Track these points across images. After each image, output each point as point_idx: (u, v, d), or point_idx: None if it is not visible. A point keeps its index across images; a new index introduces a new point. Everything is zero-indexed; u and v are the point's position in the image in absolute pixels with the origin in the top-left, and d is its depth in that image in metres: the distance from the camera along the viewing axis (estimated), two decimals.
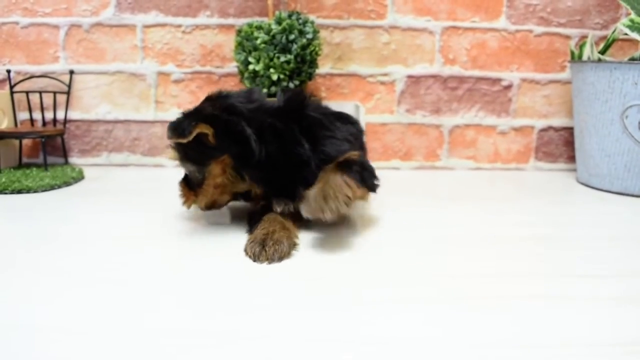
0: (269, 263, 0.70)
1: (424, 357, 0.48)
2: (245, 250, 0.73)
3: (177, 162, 0.87)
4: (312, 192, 0.73)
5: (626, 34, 1.18)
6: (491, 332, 0.53)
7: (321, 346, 0.50)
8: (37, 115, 1.31)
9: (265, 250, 0.71)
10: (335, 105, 0.98)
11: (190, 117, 0.78)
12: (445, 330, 0.53)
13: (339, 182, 0.73)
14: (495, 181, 1.29)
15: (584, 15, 1.37)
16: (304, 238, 0.80)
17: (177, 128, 0.77)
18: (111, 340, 0.50)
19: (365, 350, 0.49)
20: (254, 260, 0.70)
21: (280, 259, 0.71)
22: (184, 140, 0.76)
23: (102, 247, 0.76)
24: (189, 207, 0.89)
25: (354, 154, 0.82)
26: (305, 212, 0.73)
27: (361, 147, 0.93)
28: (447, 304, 0.59)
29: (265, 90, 1.14)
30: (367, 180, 0.81)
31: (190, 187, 0.88)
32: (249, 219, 0.84)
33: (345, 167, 0.78)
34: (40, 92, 1.28)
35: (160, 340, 0.50)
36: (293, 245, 0.75)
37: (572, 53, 1.28)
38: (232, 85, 1.32)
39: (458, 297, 0.61)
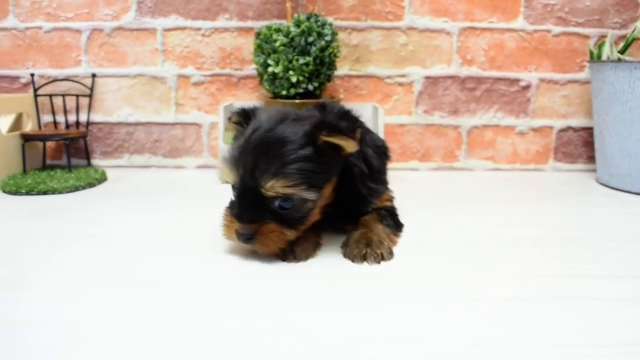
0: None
1: (443, 355, 0.49)
2: (351, 254, 0.73)
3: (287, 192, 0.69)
4: (354, 237, 0.75)
5: None
6: (508, 332, 0.53)
7: (348, 345, 0.51)
8: (60, 118, 1.33)
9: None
10: (354, 106, 0.99)
11: (349, 123, 0.73)
12: (461, 330, 0.54)
13: (381, 230, 0.78)
14: (514, 182, 1.29)
15: (603, 14, 1.36)
16: (326, 242, 0.81)
17: (342, 128, 0.70)
18: (139, 338, 0.51)
19: (389, 347, 0.50)
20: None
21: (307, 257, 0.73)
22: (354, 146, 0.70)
23: (128, 247, 0.77)
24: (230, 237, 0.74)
25: (387, 197, 0.87)
26: (346, 255, 0.74)
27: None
28: (465, 304, 0.60)
29: (284, 92, 1.15)
30: (399, 225, 0.85)
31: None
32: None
33: (383, 214, 0.82)
34: (63, 95, 1.30)
35: (189, 339, 0.51)
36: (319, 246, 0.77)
37: (591, 53, 1.28)
38: (251, 88, 1.34)
39: (476, 298, 0.62)
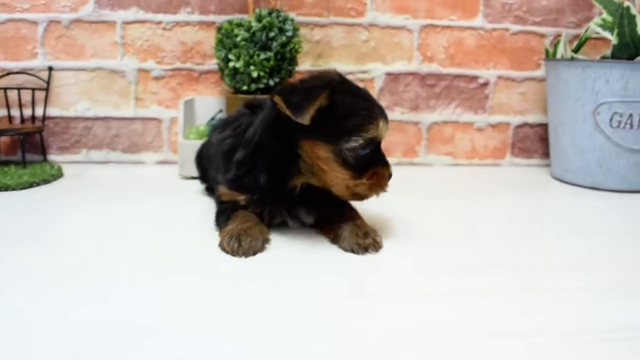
0: (245, 257, 0.72)
1: (396, 348, 0.50)
2: (221, 245, 0.74)
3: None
4: (348, 229, 0.76)
5: (598, 33, 1.22)
6: (464, 323, 0.55)
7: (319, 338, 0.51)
8: (15, 112, 1.30)
9: (242, 245, 0.72)
10: None
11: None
12: (419, 322, 0.55)
13: (363, 221, 0.81)
14: (473, 177, 1.32)
15: (559, 14, 1.40)
16: (280, 239, 0.82)
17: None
18: (92, 338, 0.51)
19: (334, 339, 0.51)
20: (233, 255, 0.72)
21: (255, 253, 0.73)
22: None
23: (82, 245, 0.76)
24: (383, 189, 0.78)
25: None
26: (346, 247, 0.75)
27: None
28: (420, 297, 0.61)
29: (245, 88, 1.15)
30: None
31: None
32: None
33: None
34: (18, 89, 1.27)
35: (145, 335, 0.51)
36: (267, 241, 0.77)
37: (547, 51, 1.31)
38: (213, 82, 1.33)
39: (433, 291, 0.63)
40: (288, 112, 0.69)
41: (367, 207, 0.96)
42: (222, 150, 0.86)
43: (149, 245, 0.76)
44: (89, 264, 0.68)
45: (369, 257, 0.73)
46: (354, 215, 0.82)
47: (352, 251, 0.74)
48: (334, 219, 0.80)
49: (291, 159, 0.75)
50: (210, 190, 1.01)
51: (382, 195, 0.77)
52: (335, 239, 0.78)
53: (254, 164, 0.78)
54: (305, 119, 0.68)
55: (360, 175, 0.73)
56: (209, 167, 0.99)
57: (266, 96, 0.87)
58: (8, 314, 0.54)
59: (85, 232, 0.82)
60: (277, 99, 0.70)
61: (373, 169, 0.74)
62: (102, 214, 0.92)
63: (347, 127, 0.71)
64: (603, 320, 0.56)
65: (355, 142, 0.71)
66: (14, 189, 1.05)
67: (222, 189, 0.83)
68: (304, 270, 0.69)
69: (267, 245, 0.75)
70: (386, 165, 0.76)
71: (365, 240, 0.75)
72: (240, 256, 0.71)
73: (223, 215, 0.81)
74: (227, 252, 0.72)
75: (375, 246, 0.75)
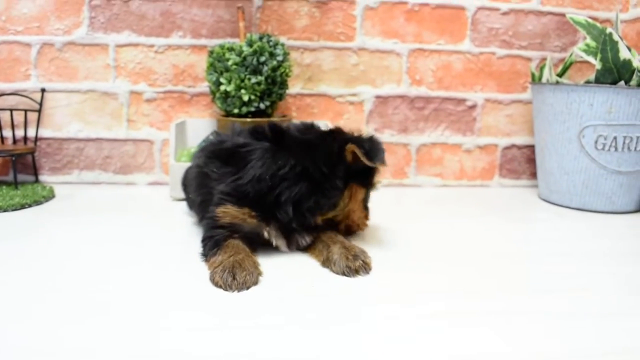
0: (239, 292, 0.69)
1: None
2: (212, 279, 0.72)
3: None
4: (336, 251, 0.79)
5: (582, 57, 1.24)
6: (450, 346, 0.56)
7: None
8: (7, 133, 1.31)
9: (236, 279, 0.70)
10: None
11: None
12: (401, 345, 0.56)
13: (349, 243, 0.83)
14: (461, 198, 1.33)
15: (544, 38, 1.43)
16: (270, 263, 0.83)
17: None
18: (80, 355, 0.51)
19: None
20: (225, 290, 0.70)
21: (249, 288, 0.71)
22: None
23: (76, 267, 0.77)
24: None
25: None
26: (337, 270, 0.77)
27: None
28: (406, 320, 0.62)
29: (236, 111, 1.16)
30: None
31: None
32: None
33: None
34: (11, 110, 1.28)
35: (126, 354, 0.52)
36: (260, 274, 0.75)
37: (533, 75, 1.34)
38: (204, 105, 1.34)
39: (419, 314, 0.64)
40: (364, 158, 0.80)
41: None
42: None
43: (138, 269, 0.77)
44: (78, 287, 0.69)
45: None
46: (333, 237, 0.85)
47: (344, 274, 0.76)
48: (324, 240, 0.83)
49: (333, 195, 0.83)
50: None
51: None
52: (326, 263, 0.79)
53: (278, 188, 0.80)
54: (384, 164, 0.82)
55: (363, 212, 0.92)
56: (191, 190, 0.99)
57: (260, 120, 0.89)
58: None
59: (76, 254, 0.82)
60: (353, 147, 0.80)
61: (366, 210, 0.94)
62: (93, 236, 0.92)
63: (374, 179, 0.88)
64: (587, 344, 0.57)
65: (373, 190, 0.91)
66: (5, 210, 1.06)
67: (222, 208, 0.81)
68: (303, 302, 0.69)
69: (260, 278, 0.74)
70: (368, 208, 0.96)
71: (355, 262, 0.77)
72: (234, 291, 0.69)
73: (211, 241, 0.79)
74: (220, 287, 0.70)
75: (366, 268, 0.77)
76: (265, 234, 0.82)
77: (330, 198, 0.82)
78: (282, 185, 0.79)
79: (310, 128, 0.88)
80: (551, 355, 0.55)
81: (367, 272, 0.77)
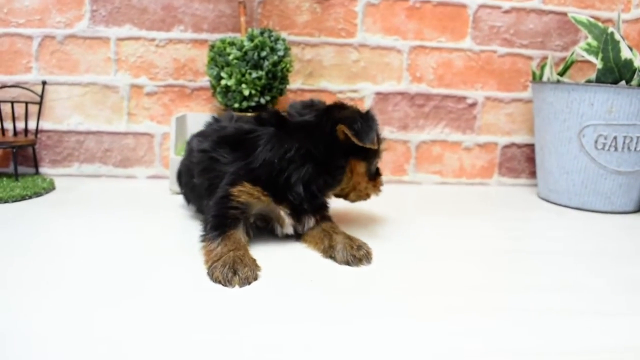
0: (240, 287, 0.69)
1: None
2: (212, 275, 0.71)
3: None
4: (339, 242, 0.83)
5: (583, 57, 1.24)
6: (443, 343, 0.56)
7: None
8: (8, 125, 1.31)
9: (238, 274, 0.70)
10: None
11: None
12: (401, 342, 0.56)
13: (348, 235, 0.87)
14: (460, 196, 1.33)
15: (545, 37, 1.43)
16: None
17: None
18: (82, 348, 0.52)
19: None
20: (224, 285, 0.69)
21: (250, 283, 0.71)
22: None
23: (73, 258, 0.77)
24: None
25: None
26: (341, 260, 0.80)
27: None
28: (404, 316, 0.62)
29: (237, 105, 1.16)
30: None
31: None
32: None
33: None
34: (12, 102, 1.28)
35: (127, 347, 0.52)
36: (259, 269, 0.75)
37: (534, 73, 1.34)
38: (204, 99, 1.35)
39: (419, 310, 0.64)
40: (354, 139, 0.82)
41: (357, 224, 0.98)
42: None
43: (137, 261, 0.77)
44: (77, 278, 0.69)
45: (355, 276, 0.75)
46: (335, 227, 0.89)
47: (347, 263, 0.79)
48: (325, 230, 0.88)
49: (337, 173, 0.87)
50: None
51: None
52: (328, 251, 0.83)
53: (287, 171, 0.83)
54: (374, 144, 0.84)
55: (371, 181, 0.93)
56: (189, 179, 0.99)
57: (242, 114, 0.89)
58: None
59: (76, 245, 0.83)
60: (343, 128, 0.82)
61: (376, 176, 0.96)
62: (92, 228, 0.92)
63: (374, 150, 0.89)
64: (583, 342, 0.58)
65: (378, 160, 0.93)
66: (6, 202, 1.06)
67: (239, 187, 0.82)
68: (305, 296, 0.70)
69: (259, 273, 0.74)
70: (380, 173, 0.97)
71: (359, 252, 0.80)
72: (234, 286, 0.69)
73: (216, 221, 0.80)
74: (219, 282, 0.70)
75: (369, 258, 0.81)
76: (282, 213, 0.85)
77: (336, 176, 0.87)
78: (290, 167, 0.83)
79: (310, 106, 0.90)
80: (548, 351, 0.55)
81: (370, 262, 0.80)
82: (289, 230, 0.87)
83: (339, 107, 0.89)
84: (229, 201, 0.81)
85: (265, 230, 0.88)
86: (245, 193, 0.82)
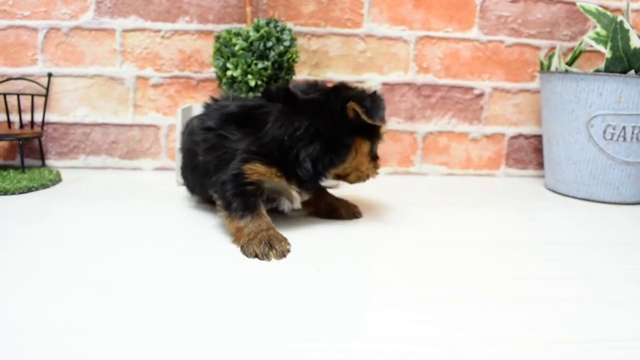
0: (277, 260, 0.76)
1: (393, 354, 0.51)
2: (248, 250, 0.77)
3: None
4: (344, 207, 0.99)
5: (592, 46, 1.23)
6: (458, 331, 0.56)
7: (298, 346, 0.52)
8: (14, 118, 1.31)
9: (275, 248, 0.77)
10: None
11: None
12: (412, 329, 0.56)
13: None
14: (467, 187, 1.33)
15: (553, 27, 1.42)
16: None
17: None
18: (88, 340, 0.52)
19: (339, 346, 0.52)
20: (261, 259, 0.75)
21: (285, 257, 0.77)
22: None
23: (79, 250, 0.77)
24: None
25: None
26: (347, 216, 0.99)
27: None
28: (415, 304, 0.62)
29: (242, 96, 1.16)
30: None
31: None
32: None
33: None
34: (18, 95, 1.28)
35: (139, 341, 0.52)
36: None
37: (542, 64, 1.33)
38: (210, 90, 1.34)
39: (427, 298, 0.64)
40: (364, 116, 0.84)
41: (364, 214, 0.98)
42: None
43: (144, 252, 0.77)
44: (85, 270, 0.69)
45: (362, 264, 0.74)
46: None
47: (352, 218, 0.98)
48: (329, 201, 1.00)
49: (344, 152, 0.89)
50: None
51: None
52: (333, 215, 0.98)
53: (296, 148, 0.85)
54: (384, 122, 0.88)
55: (372, 162, 0.95)
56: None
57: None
58: (3, 317, 0.55)
59: (83, 237, 0.83)
60: (354, 105, 0.84)
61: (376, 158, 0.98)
62: (99, 220, 0.92)
63: (378, 131, 0.92)
64: (591, 330, 0.57)
65: (379, 142, 0.95)
66: (12, 194, 1.06)
67: (250, 165, 0.83)
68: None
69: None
70: (378, 156, 0.99)
71: (355, 209, 0.99)
72: (270, 260, 0.75)
73: (240, 200, 0.82)
74: (256, 257, 0.76)
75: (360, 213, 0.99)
76: (294, 192, 0.87)
77: (341, 155, 0.88)
78: (299, 145, 0.84)
79: (314, 86, 0.91)
80: (561, 340, 0.55)
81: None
82: (298, 205, 0.90)
83: (346, 86, 0.90)
84: (243, 178, 0.83)
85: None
86: (257, 172, 0.83)
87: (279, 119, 0.85)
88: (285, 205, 0.90)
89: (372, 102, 0.86)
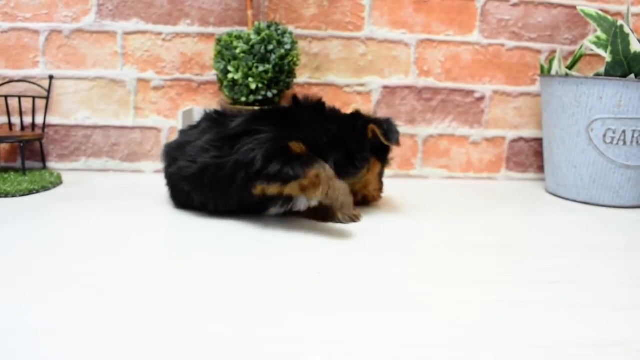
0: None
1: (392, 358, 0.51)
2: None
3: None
4: (340, 214, 0.98)
5: (592, 50, 1.24)
6: (459, 335, 0.56)
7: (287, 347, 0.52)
8: (15, 120, 1.31)
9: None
10: None
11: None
12: (409, 334, 0.56)
13: None
14: (468, 190, 1.33)
15: (554, 30, 1.42)
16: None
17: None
18: (87, 342, 0.52)
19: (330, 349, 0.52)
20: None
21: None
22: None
23: (80, 252, 0.77)
24: None
25: None
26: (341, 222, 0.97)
27: None
28: (413, 309, 0.62)
29: (244, 99, 1.16)
30: None
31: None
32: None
33: None
34: (19, 97, 1.29)
35: (140, 343, 0.52)
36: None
37: (542, 67, 1.33)
38: (211, 93, 1.34)
39: (424, 302, 0.64)
40: (383, 138, 0.97)
41: (363, 217, 0.98)
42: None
43: (146, 254, 0.77)
44: (86, 272, 0.69)
45: (358, 267, 0.74)
46: None
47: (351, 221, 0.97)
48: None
49: (360, 166, 0.98)
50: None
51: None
52: (330, 218, 0.96)
53: (325, 148, 0.93)
54: (399, 144, 0.99)
55: (379, 184, 1.08)
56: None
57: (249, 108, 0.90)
58: (3, 319, 0.55)
59: (84, 239, 0.83)
60: (374, 127, 0.97)
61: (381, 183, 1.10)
62: (100, 222, 0.93)
63: (388, 155, 1.06)
64: (594, 335, 0.57)
65: (387, 167, 1.08)
66: (13, 196, 1.06)
67: (294, 142, 0.88)
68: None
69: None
70: (383, 183, 1.11)
71: (354, 212, 0.98)
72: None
73: (298, 159, 0.85)
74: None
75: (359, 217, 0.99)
76: None
77: (358, 167, 0.97)
78: (327, 147, 0.93)
79: (319, 102, 1.04)
80: (560, 344, 0.55)
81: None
82: (315, 202, 0.92)
83: (361, 113, 1.04)
84: (290, 150, 0.86)
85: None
86: (300, 147, 0.88)
87: (313, 121, 0.95)
88: (302, 204, 0.93)
89: (389, 126, 0.98)
